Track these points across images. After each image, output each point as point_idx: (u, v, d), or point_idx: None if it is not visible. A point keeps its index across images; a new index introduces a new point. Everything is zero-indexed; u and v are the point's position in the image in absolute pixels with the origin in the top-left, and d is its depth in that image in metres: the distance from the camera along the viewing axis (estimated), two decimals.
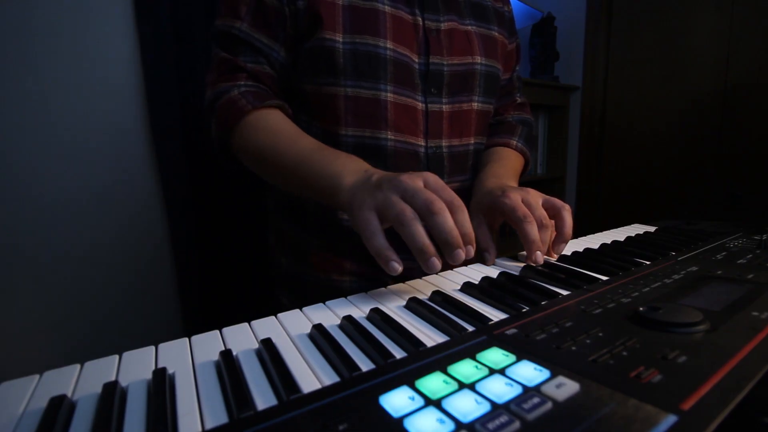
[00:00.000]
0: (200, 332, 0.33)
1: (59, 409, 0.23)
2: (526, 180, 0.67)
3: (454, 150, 0.64)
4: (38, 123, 0.84)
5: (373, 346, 0.28)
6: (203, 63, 0.96)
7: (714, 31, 1.65)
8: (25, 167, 0.84)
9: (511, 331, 0.29)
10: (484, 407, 0.20)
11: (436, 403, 0.21)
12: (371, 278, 0.62)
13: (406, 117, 0.60)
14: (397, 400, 0.21)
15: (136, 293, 0.99)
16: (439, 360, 0.25)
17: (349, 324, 0.32)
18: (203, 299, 1.03)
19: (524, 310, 0.34)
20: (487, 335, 0.28)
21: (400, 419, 0.20)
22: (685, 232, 0.61)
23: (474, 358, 0.25)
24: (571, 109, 2.05)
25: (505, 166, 0.66)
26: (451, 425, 0.19)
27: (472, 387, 0.22)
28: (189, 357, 0.29)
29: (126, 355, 0.30)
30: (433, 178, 0.42)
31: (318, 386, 0.25)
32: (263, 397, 0.24)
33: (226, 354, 0.28)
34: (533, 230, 0.48)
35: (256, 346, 0.31)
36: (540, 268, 0.46)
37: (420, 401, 0.21)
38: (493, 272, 0.46)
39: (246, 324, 0.34)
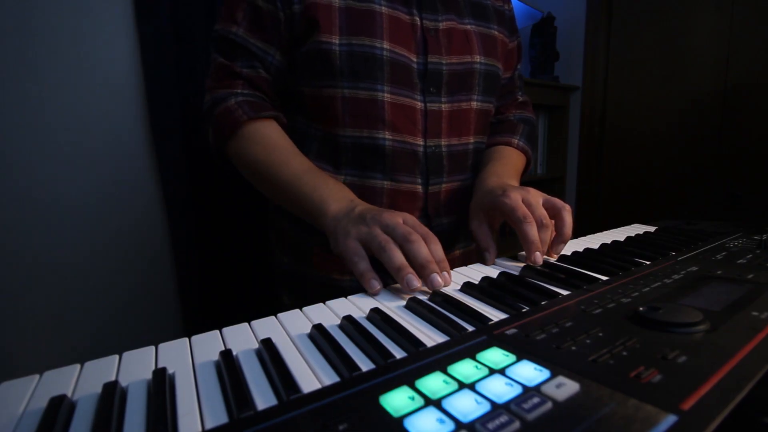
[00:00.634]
0: (200, 332, 0.33)
1: (59, 409, 0.23)
2: (525, 180, 0.67)
3: (453, 149, 0.64)
4: (38, 123, 0.84)
5: (373, 346, 0.28)
6: (203, 63, 0.96)
7: (714, 31, 1.65)
8: (25, 167, 0.84)
9: (511, 331, 0.29)
10: (484, 407, 0.20)
11: (436, 403, 0.21)
12: None
13: (404, 117, 0.60)
14: (397, 400, 0.21)
15: (137, 293, 0.99)
16: (439, 360, 0.25)
17: (349, 324, 0.32)
18: (203, 299, 1.03)
19: (524, 310, 0.34)
20: (487, 335, 0.28)
21: (400, 419, 0.20)
22: (685, 232, 0.61)
23: (474, 358, 0.25)
24: (571, 109, 2.06)
25: (506, 165, 0.66)
26: (451, 425, 0.19)
27: (472, 387, 0.22)
28: (189, 357, 0.29)
29: (126, 355, 0.30)
30: (410, 217, 0.47)
31: (318, 386, 0.25)
32: (263, 397, 0.24)
33: (226, 354, 0.28)
34: (533, 231, 0.48)
35: (256, 346, 0.31)
36: (540, 268, 0.46)
37: (420, 401, 0.21)
38: (493, 272, 0.46)
39: (246, 324, 0.34)
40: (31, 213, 0.85)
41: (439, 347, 0.27)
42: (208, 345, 0.31)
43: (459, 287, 0.42)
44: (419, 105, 0.61)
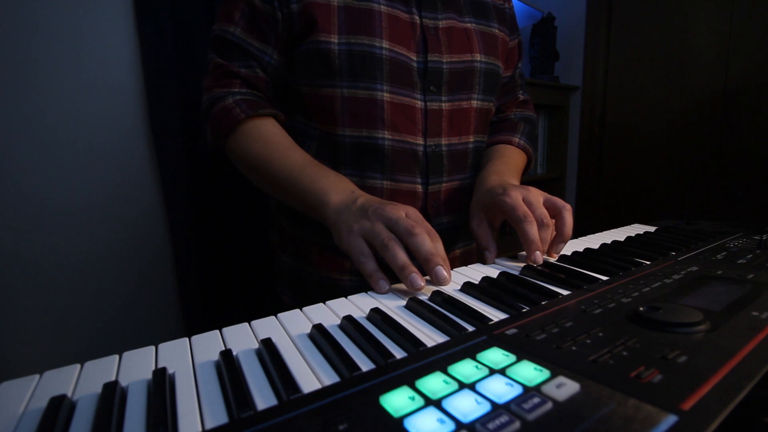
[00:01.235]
0: (200, 332, 0.33)
1: (59, 409, 0.23)
2: (525, 180, 0.67)
3: (453, 148, 0.64)
4: (38, 123, 0.84)
5: (373, 346, 0.28)
6: (203, 63, 0.96)
7: (714, 31, 1.65)
8: (25, 167, 0.84)
9: (511, 331, 0.29)
10: (485, 407, 0.20)
11: (437, 403, 0.21)
12: None
13: (403, 116, 0.60)
14: (397, 400, 0.21)
15: (137, 293, 0.99)
16: (439, 360, 0.25)
17: (349, 324, 0.32)
18: (203, 299, 1.03)
19: (524, 310, 0.34)
20: (487, 335, 0.28)
21: (400, 419, 0.20)
22: (685, 232, 0.61)
23: (474, 358, 0.25)
24: (571, 109, 2.05)
25: (507, 163, 0.66)
26: (451, 425, 0.19)
27: (472, 387, 0.22)
28: (189, 357, 0.29)
29: (126, 355, 0.30)
30: (413, 211, 0.47)
31: (318, 386, 0.25)
32: (263, 397, 0.24)
33: (226, 354, 0.28)
34: (533, 230, 0.48)
35: (256, 346, 0.31)
36: (540, 268, 0.46)
37: (420, 401, 0.21)
38: (493, 272, 0.46)
39: (246, 324, 0.34)
40: (31, 213, 0.85)
41: (439, 347, 0.27)
42: (208, 345, 0.31)
43: (459, 287, 0.42)
44: (419, 104, 0.61)
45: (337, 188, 0.52)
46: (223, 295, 1.05)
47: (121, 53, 0.92)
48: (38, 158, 0.85)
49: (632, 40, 1.87)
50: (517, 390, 0.22)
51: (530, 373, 0.23)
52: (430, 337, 0.31)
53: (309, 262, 0.65)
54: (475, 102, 0.65)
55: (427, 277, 0.43)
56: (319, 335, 0.30)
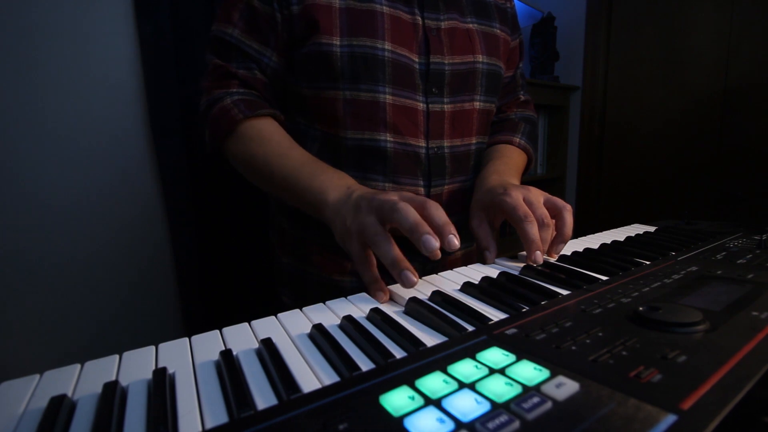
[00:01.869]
0: (200, 332, 0.33)
1: (59, 409, 0.23)
2: (525, 180, 0.67)
3: (455, 150, 0.64)
4: (38, 123, 0.84)
5: (373, 345, 0.28)
6: (203, 63, 0.96)
7: (714, 31, 1.65)
8: (25, 167, 0.84)
9: (511, 331, 0.29)
10: (484, 407, 0.20)
11: (436, 403, 0.21)
12: None
13: (405, 118, 0.59)
14: (397, 400, 0.21)
15: (137, 293, 0.99)
16: (439, 360, 0.25)
17: (349, 324, 0.32)
18: (203, 299, 1.03)
19: (524, 310, 0.34)
20: (487, 335, 0.28)
21: (400, 419, 0.20)
22: (685, 232, 0.61)
23: (474, 358, 0.25)
24: (571, 109, 2.06)
25: (507, 163, 0.66)
26: (451, 425, 0.19)
27: (472, 387, 0.22)
28: (189, 357, 0.29)
29: (126, 355, 0.30)
30: (406, 193, 0.44)
31: (318, 386, 0.25)
32: (263, 397, 0.24)
33: (226, 354, 0.28)
34: (533, 230, 0.48)
35: (256, 345, 0.31)
36: (540, 268, 0.46)
37: (420, 401, 0.21)
38: (493, 272, 0.46)
39: (246, 324, 0.34)
40: (31, 213, 0.85)
41: (439, 347, 0.27)
42: (208, 345, 0.31)
43: (459, 287, 0.42)
44: (421, 106, 0.60)
45: (334, 185, 0.51)
46: (223, 295, 1.05)
47: (121, 53, 0.92)
48: (38, 158, 0.85)
49: (632, 40, 1.88)
50: (516, 390, 0.22)
51: (530, 372, 0.23)
52: (430, 336, 0.31)
53: (309, 262, 0.65)
54: (478, 103, 0.65)
55: (423, 277, 0.43)
56: (319, 335, 0.31)
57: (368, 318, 0.35)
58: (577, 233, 0.56)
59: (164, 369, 0.26)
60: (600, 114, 2.00)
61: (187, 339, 0.32)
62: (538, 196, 0.52)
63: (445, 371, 0.24)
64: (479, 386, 0.22)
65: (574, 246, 0.56)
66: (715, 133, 1.69)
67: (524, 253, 0.50)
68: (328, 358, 0.28)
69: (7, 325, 0.84)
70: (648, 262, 0.46)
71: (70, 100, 0.87)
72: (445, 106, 0.62)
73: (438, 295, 0.38)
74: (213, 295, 1.04)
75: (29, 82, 0.83)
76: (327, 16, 0.55)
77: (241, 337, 0.32)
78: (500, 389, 0.22)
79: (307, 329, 0.33)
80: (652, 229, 0.67)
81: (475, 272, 0.47)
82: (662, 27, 1.78)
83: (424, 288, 0.42)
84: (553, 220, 0.51)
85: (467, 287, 0.41)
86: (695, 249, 0.51)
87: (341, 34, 0.56)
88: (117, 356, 0.29)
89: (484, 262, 0.52)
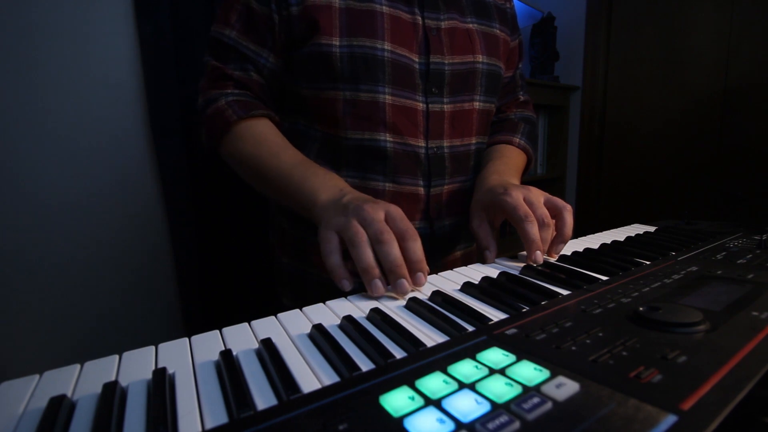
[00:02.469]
0: (200, 332, 0.33)
1: (59, 409, 0.23)
2: (525, 180, 0.67)
3: (455, 150, 0.64)
4: (38, 123, 0.84)
5: (373, 346, 0.28)
6: (203, 63, 0.96)
7: (714, 31, 1.65)
8: (25, 167, 0.84)
9: (511, 331, 0.29)
10: (484, 407, 0.20)
11: (436, 403, 0.21)
12: None
13: (405, 119, 0.59)
14: (397, 400, 0.21)
15: (137, 293, 0.99)
16: (439, 360, 0.25)
17: (349, 324, 0.32)
18: (203, 299, 1.03)
19: (524, 310, 0.34)
20: (487, 335, 0.28)
21: (400, 419, 0.20)
22: (685, 232, 0.61)
23: (474, 358, 0.25)
24: (571, 109, 2.06)
25: (507, 163, 0.66)
26: (451, 425, 0.19)
27: (472, 387, 0.22)
28: (189, 357, 0.29)
29: (126, 355, 0.30)
30: (394, 210, 0.44)
31: (318, 386, 0.25)
32: (263, 397, 0.24)
33: (226, 354, 0.28)
34: (534, 230, 0.48)
35: (256, 346, 0.31)
36: (540, 268, 0.46)
37: (420, 401, 0.21)
38: (493, 272, 0.46)
39: (246, 324, 0.34)
40: (31, 213, 0.85)
41: (439, 347, 0.27)
42: (208, 345, 0.31)
43: (459, 287, 0.42)
44: (421, 106, 0.60)
45: (325, 186, 0.52)
46: (223, 295, 1.05)
47: (121, 53, 0.92)
48: (38, 158, 0.85)
49: (632, 40, 1.88)
50: (516, 390, 0.22)
51: (530, 373, 0.23)
52: (429, 337, 0.31)
53: (309, 263, 0.65)
54: (477, 103, 0.65)
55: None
56: (319, 335, 0.31)
57: (368, 318, 0.35)
58: (577, 233, 0.56)
59: (164, 369, 0.26)
60: (600, 114, 2.00)
61: (186, 339, 0.32)
62: (538, 196, 0.52)
63: (445, 371, 0.24)
64: (479, 386, 0.22)
65: (574, 246, 0.56)
66: (715, 133, 1.69)
67: (524, 253, 0.50)
68: (328, 358, 0.28)
69: (7, 325, 0.84)
70: (648, 262, 0.46)
71: (70, 100, 0.87)
72: (445, 106, 0.62)
73: (438, 295, 0.38)
74: (213, 295, 1.04)
75: (29, 82, 0.83)
76: (327, 16, 0.55)
77: (241, 338, 0.32)
78: (500, 389, 0.22)
79: (307, 329, 0.33)
80: (652, 229, 0.67)
81: (475, 272, 0.47)
82: (662, 27, 1.78)
83: (423, 288, 0.42)
84: (553, 220, 0.51)
85: (467, 287, 0.41)
86: (695, 249, 0.51)
87: (341, 35, 0.56)
88: (117, 356, 0.29)
89: (484, 261, 0.52)
